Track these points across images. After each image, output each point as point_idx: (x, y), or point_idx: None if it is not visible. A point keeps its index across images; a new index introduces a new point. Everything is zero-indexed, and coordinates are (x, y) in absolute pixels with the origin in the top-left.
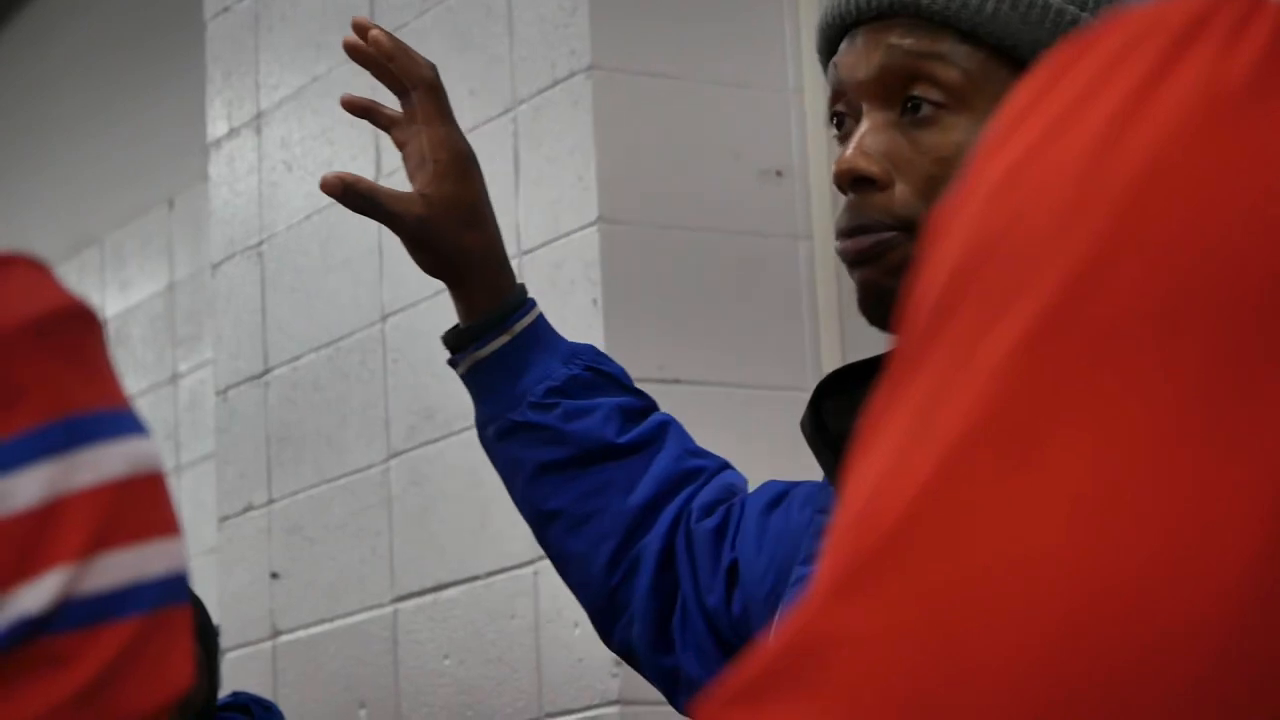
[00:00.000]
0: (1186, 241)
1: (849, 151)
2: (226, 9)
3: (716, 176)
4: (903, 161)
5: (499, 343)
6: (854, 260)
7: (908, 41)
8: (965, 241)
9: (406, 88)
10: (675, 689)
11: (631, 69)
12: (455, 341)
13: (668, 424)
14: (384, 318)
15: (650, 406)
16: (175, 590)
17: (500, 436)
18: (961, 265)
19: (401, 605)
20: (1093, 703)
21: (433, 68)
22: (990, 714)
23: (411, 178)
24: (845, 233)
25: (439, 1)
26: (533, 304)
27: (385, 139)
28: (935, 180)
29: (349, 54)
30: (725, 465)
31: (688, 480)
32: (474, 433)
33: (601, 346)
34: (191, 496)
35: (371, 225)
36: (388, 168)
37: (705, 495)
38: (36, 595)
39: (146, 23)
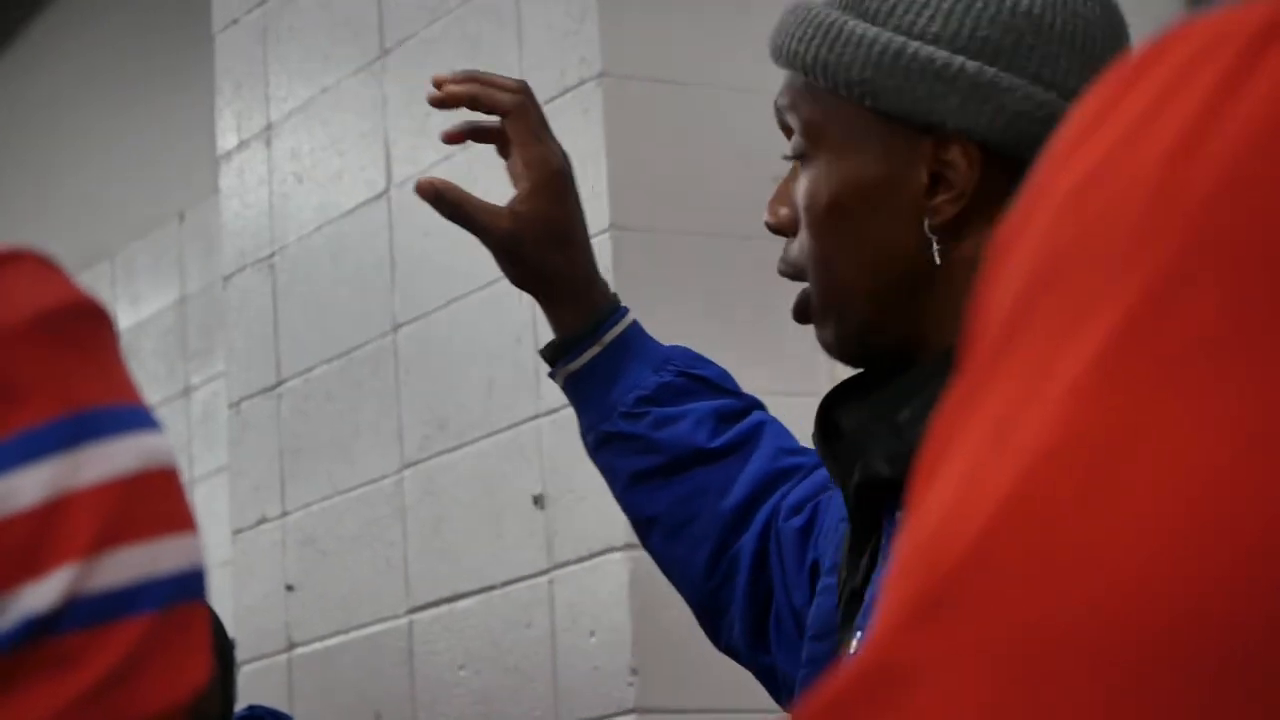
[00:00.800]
0: (1266, 253)
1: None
2: (235, 21)
3: (728, 182)
4: (794, 208)
5: (590, 354)
6: (800, 323)
7: (782, 94)
8: (1035, 254)
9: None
10: (776, 687)
11: (641, 75)
12: (551, 355)
13: (764, 424)
14: (396, 328)
15: (750, 406)
16: (190, 587)
17: (597, 446)
18: (1033, 278)
19: (417, 616)
20: None
21: (517, 91)
22: None
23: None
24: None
25: (448, 11)
26: (624, 312)
27: (396, 150)
28: (807, 224)
29: (434, 106)
30: None
31: (783, 479)
32: (488, 442)
33: None
34: (205, 509)
35: (382, 236)
36: (398, 178)
37: (796, 494)
38: (42, 594)
39: (155, 36)
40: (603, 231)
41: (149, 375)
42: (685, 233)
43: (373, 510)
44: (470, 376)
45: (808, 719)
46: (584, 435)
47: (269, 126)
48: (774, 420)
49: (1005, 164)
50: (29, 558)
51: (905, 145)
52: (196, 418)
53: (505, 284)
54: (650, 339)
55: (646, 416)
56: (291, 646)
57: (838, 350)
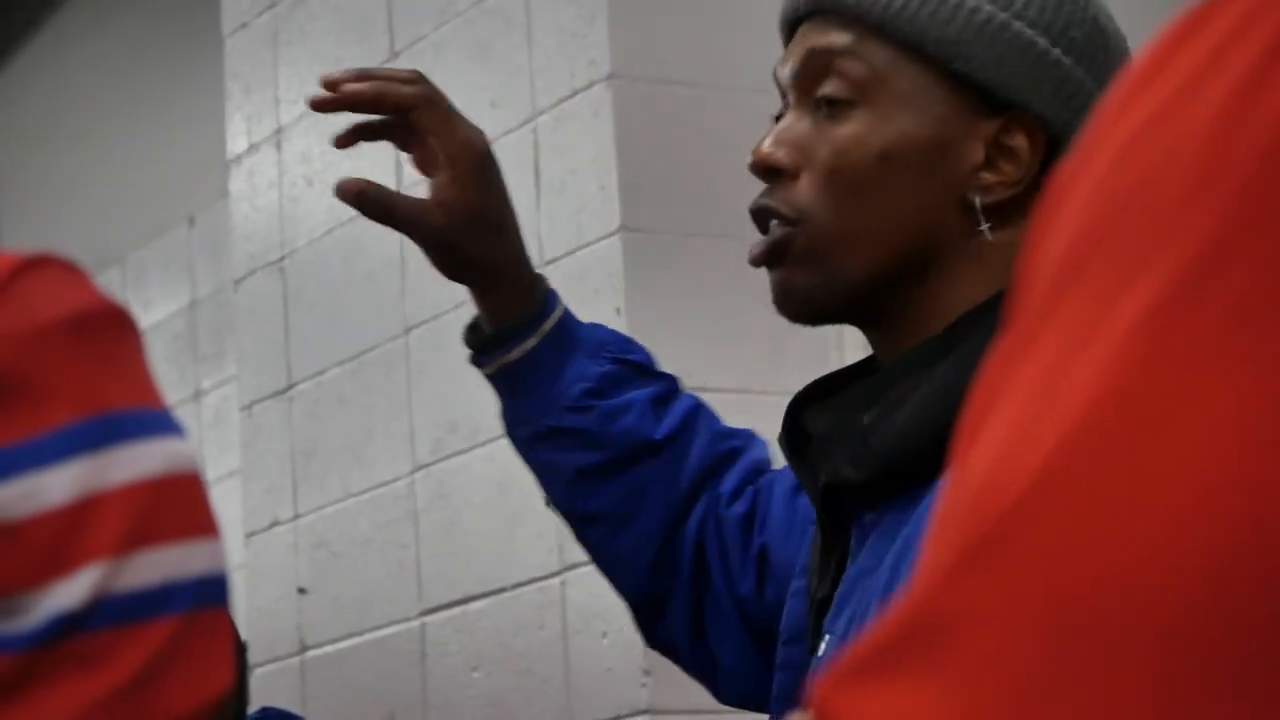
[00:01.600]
0: None
1: (764, 142)
2: (245, 25)
3: (738, 183)
4: (810, 153)
5: (529, 345)
6: (759, 264)
7: (823, 38)
8: (1087, 207)
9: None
10: (714, 679)
11: (651, 77)
12: (482, 344)
13: (698, 407)
14: (407, 331)
15: (675, 388)
16: (214, 591)
17: (536, 439)
18: (1083, 234)
19: (429, 618)
20: (1232, 677)
21: (417, 81)
22: (1121, 690)
23: (431, 186)
24: (753, 216)
25: (457, 14)
26: (557, 299)
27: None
28: (833, 171)
29: (319, 110)
30: (752, 437)
31: (723, 465)
32: (500, 444)
33: None
34: (217, 513)
35: (394, 238)
36: (409, 180)
37: (731, 479)
38: (71, 591)
39: (165, 40)
40: (612, 233)
41: (160, 379)
42: (695, 234)
43: (385, 513)
44: (482, 379)
45: (849, 667)
46: (515, 426)
47: (279, 129)
48: (701, 401)
49: (1059, 161)
50: (58, 555)
51: (967, 117)
52: (208, 421)
53: None
54: (580, 323)
55: (593, 410)
56: (304, 649)
57: (800, 297)
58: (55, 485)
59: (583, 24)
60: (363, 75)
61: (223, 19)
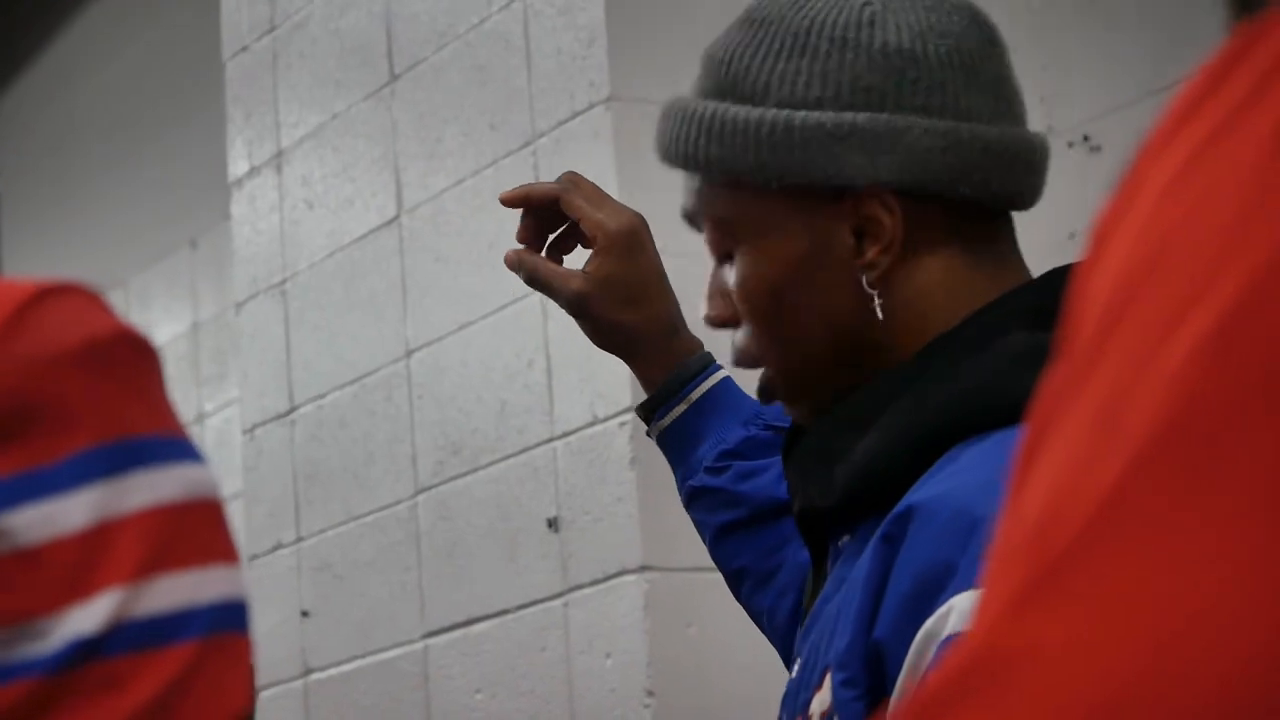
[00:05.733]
0: None
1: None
2: (245, 48)
3: None
4: (731, 300)
5: (677, 411)
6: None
7: (686, 199)
8: (1136, 242)
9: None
10: None
11: (650, 99)
12: (644, 414)
13: None
14: (409, 353)
15: None
16: (233, 617)
17: (687, 502)
18: (1135, 265)
19: (432, 641)
20: None
21: (562, 183)
22: None
23: None
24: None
25: (456, 36)
26: (714, 369)
27: (406, 175)
28: (750, 317)
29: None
30: None
31: None
32: (501, 466)
33: (626, 379)
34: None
35: (394, 261)
36: (409, 203)
37: None
38: (90, 616)
39: (166, 64)
40: None
41: None
42: (694, 255)
43: (387, 535)
44: (483, 400)
45: (910, 711)
46: (679, 492)
47: (280, 153)
48: None
49: (929, 199)
50: (77, 580)
51: (821, 212)
52: (210, 445)
53: (517, 307)
54: (742, 394)
55: (728, 470)
56: (307, 672)
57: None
58: (73, 510)
59: (581, 47)
60: (515, 194)
61: (223, 43)
